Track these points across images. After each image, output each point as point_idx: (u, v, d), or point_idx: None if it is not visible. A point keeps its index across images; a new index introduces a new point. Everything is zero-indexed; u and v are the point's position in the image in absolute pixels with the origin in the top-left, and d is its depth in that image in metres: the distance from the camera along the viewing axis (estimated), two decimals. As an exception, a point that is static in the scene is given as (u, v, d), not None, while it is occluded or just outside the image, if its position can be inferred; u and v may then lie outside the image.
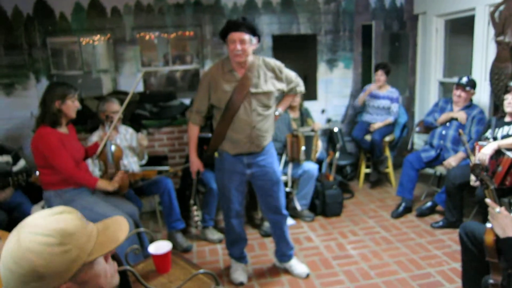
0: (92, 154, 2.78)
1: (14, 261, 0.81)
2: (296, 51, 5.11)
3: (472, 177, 2.84)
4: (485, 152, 2.79)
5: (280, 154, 3.56)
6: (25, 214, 2.81)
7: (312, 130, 3.84)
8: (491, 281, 1.77)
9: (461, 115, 3.55)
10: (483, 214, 2.82)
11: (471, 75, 3.88)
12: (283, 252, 2.79)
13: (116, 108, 3.10)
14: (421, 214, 3.64)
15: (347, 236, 3.34)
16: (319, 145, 3.85)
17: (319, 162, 3.98)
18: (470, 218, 3.44)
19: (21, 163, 3.29)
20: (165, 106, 4.19)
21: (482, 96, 3.85)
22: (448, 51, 4.60)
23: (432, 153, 3.66)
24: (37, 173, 2.66)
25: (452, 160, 3.44)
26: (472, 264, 2.05)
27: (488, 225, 1.80)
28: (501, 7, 3.41)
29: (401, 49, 5.07)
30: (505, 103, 3.00)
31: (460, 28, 4.48)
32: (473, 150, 2.94)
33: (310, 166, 3.61)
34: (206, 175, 3.34)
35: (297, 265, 2.78)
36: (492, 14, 3.49)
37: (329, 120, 4.85)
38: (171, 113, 4.16)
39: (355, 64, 4.86)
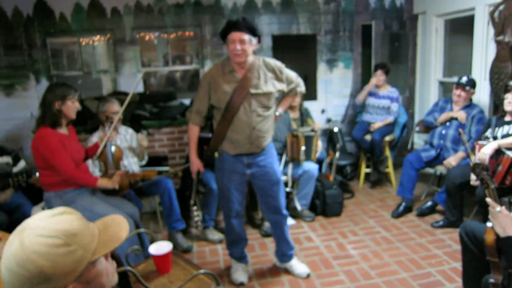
0: (92, 155, 2.78)
1: (19, 264, 0.81)
2: (296, 51, 5.11)
3: (473, 177, 2.84)
4: (485, 152, 2.79)
5: (280, 154, 3.56)
6: (26, 215, 2.81)
7: (312, 130, 3.84)
8: (491, 280, 1.77)
9: (461, 115, 3.55)
10: (483, 214, 2.82)
11: (471, 74, 3.88)
12: (284, 252, 2.79)
13: (116, 108, 3.10)
14: (422, 214, 3.64)
15: (347, 236, 3.34)
16: (319, 145, 3.85)
17: (319, 162, 3.98)
18: (471, 217, 3.44)
19: (21, 164, 3.29)
20: (165, 107, 4.19)
21: (482, 95, 3.85)
22: (448, 51, 4.60)
23: (432, 152, 3.66)
24: (37, 174, 2.66)
25: (452, 160, 3.44)
26: (472, 264, 2.05)
27: (489, 224, 1.80)
28: (501, 7, 3.42)
29: (401, 49, 5.07)
30: (505, 102, 3.00)
31: (460, 28, 4.49)
32: (473, 149, 2.94)
33: (310, 166, 3.61)
34: (206, 175, 3.34)
35: (298, 265, 2.78)
36: (491, 14, 3.49)
37: (329, 120, 4.85)
38: (171, 114, 4.16)
39: (355, 64, 4.87)
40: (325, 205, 3.70)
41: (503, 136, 2.95)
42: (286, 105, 2.72)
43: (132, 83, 4.07)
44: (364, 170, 4.51)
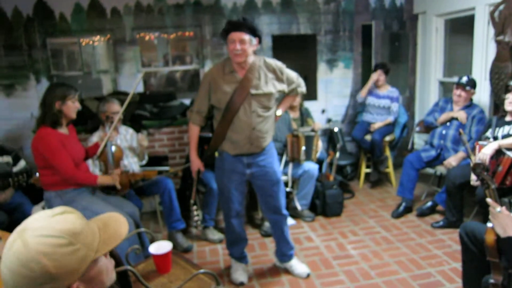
0: (92, 155, 2.78)
1: (23, 264, 0.81)
2: (296, 51, 5.11)
3: (473, 177, 2.84)
4: (485, 152, 2.78)
5: (280, 154, 3.56)
6: (26, 214, 2.81)
7: (312, 130, 3.84)
8: (491, 281, 1.77)
9: (461, 115, 3.55)
10: (484, 214, 2.82)
11: (471, 74, 3.88)
12: (284, 252, 2.79)
13: (116, 108, 3.10)
14: (422, 214, 3.64)
15: (347, 236, 3.34)
16: (319, 145, 3.85)
17: (320, 162, 3.98)
18: (471, 218, 3.44)
19: (22, 163, 3.29)
20: (165, 107, 4.19)
21: (482, 95, 3.85)
22: (448, 51, 4.60)
23: (433, 152, 3.66)
24: (37, 174, 2.66)
25: (453, 160, 3.44)
26: (472, 264, 2.05)
27: (489, 224, 1.80)
28: (501, 7, 3.41)
29: (401, 49, 5.07)
30: (506, 102, 2.99)
31: (460, 28, 4.49)
32: (473, 149, 2.94)
33: (311, 166, 3.61)
34: (206, 175, 3.34)
35: (298, 265, 2.78)
36: (492, 14, 3.49)
37: (329, 120, 4.85)
38: (171, 114, 4.16)
39: (355, 64, 4.87)
40: (325, 205, 3.70)
41: (504, 136, 2.95)
42: (286, 105, 2.72)
43: (132, 83, 4.07)
44: (364, 170, 4.51)
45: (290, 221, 3.53)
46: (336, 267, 2.86)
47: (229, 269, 2.83)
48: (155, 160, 3.95)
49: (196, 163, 2.60)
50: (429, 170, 4.04)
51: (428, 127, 3.90)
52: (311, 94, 4.73)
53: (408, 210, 3.70)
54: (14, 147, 3.66)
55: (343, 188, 4.09)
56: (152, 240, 1.87)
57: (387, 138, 4.33)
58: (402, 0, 4.79)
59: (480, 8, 3.74)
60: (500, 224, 1.69)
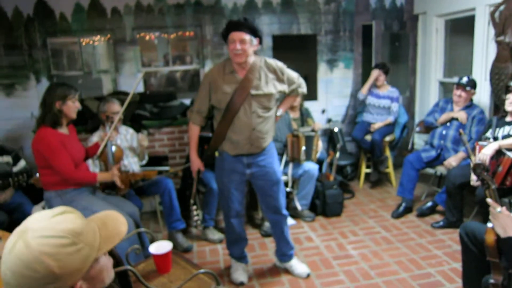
0: (92, 155, 2.78)
1: (27, 266, 0.82)
2: (296, 51, 5.11)
3: (473, 177, 2.84)
4: (485, 152, 2.79)
5: (280, 154, 3.56)
6: (26, 214, 2.81)
7: (313, 130, 3.84)
8: (491, 281, 1.77)
9: (462, 115, 3.55)
10: (484, 214, 2.82)
11: (471, 75, 3.88)
12: (284, 252, 2.79)
13: (116, 108, 3.10)
14: (422, 214, 3.64)
15: (347, 236, 3.34)
16: (320, 145, 3.85)
17: (320, 162, 3.99)
18: (471, 218, 3.44)
19: (22, 163, 3.29)
20: (165, 107, 4.19)
21: (483, 96, 3.85)
22: (448, 51, 4.61)
23: (433, 153, 3.66)
24: (37, 175, 2.66)
25: (453, 160, 3.44)
26: (472, 264, 2.05)
27: (489, 225, 1.80)
28: (501, 7, 3.41)
29: (401, 49, 5.07)
30: (507, 102, 2.99)
31: (460, 28, 4.49)
32: (473, 150, 2.94)
33: (311, 166, 3.62)
34: (206, 175, 3.34)
35: (298, 265, 2.78)
36: (492, 14, 3.49)
37: (329, 120, 4.85)
38: (172, 114, 4.16)
39: (355, 64, 4.87)
40: (325, 205, 3.70)
41: (504, 137, 2.95)
42: (287, 105, 2.71)
43: (132, 83, 4.07)
44: (364, 170, 4.52)
45: (290, 221, 3.53)
46: (336, 267, 2.86)
47: (229, 269, 2.83)
48: (155, 160, 3.95)
49: (196, 163, 2.60)
50: (429, 170, 4.04)
51: (428, 128, 3.90)
52: (311, 94, 4.73)
53: (408, 210, 3.70)
54: (14, 147, 3.66)
55: (343, 188, 4.09)
56: (152, 240, 1.87)
57: (387, 138, 4.33)
58: (403, 1, 4.79)
59: (481, 9, 3.74)
60: (500, 224, 1.69)
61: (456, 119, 3.59)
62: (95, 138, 3.15)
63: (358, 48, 4.83)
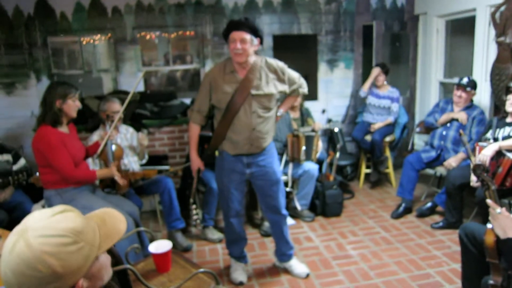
0: (92, 154, 2.79)
1: (29, 266, 0.81)
2: (297, 51, 5.11)
3: (473, 178, 2.84)
4: (486, 153, 2.78)
5: (280, 154, 3.57)
6: (26, 213, 2.79)
7: (313, 130, 3.84)
8: (491, 282, 1.77)
9: (462, 116, 3.55)
10: (483, 215, 2.82)
11: (472, 75, 3.88)
12: (283, 252, 2.79)
13: (117, 108, 3.10)
14: (421, 215, 3.64)
15: (347, 236, 3.34)
16: (320, 145, 3.85)
17: (320, 162, 3.98)
18: (470, 219, 3.44)
19: (21, 162, 3.29)
20: (165, 106, 4.19)
21: (483, 96, 3.85)
22: (448, 52, 4.60)
23: (433, 153, 3.66)
24: (37, 174, 2.66)
25: (453, 161, 3.44)
26: (471, 265, 2.05)
27: (489, 225, 1.80)
28: (502, 8, 3.41)
29: (402, 50, 5.07)
30: (508, 103, 2.99)
31: (461, 29, 4.49)
32: (473, 150, 2.94)
33: (311, 166, 3.62)
34: (206, 175, 3.34)
35: (297, 265, 2.78)
36: (493, 15, 3.49)
37: (329, 120, 4.85)
38: (172, 113, 4.16)
39: (355, 64, 4.87)
40: (325, 205, 3.70)
41: (504, 138, 2.95)
42: (287, 105, 2.71)
43: (133, 82, 4.07)
44: (364, 170, 4.52)
45: (290, 221, 3.53)
46: (335, 267, 2.86)
47: (228, 269, 2.83)
48: (155, 159, 3.96)
49: (196, 162, 2.60)
50: (429, 171, 4.04)
51: (428, 128, 3.90)
52: (311, 94, 4.73)
53: (407, 210, 3.70)
54: (14, 146, 3.66)
55: (343, 188, 4.10)
56: (152, 239, 1.87)
57: (387, 139, 4.33)
58: (403, 1, 4.79)
59: (481, 9, 3.74)
60: (500, 225, 1.69)
61: (456, 119, 3.59)
62: (95, 137, 3.15)
63: (358, 48, 4.83)
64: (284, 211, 2.69)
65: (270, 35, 4.56)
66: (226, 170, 2.52)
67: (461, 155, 3.45)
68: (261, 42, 2.37)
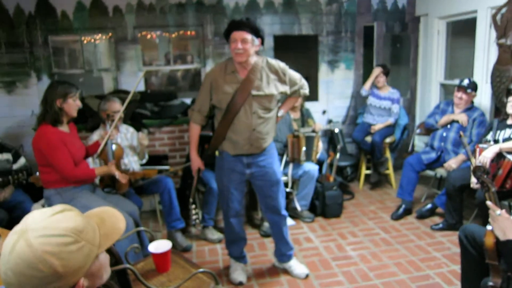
0: (93, 153, 2.79)
1: (30, 266, 0.81)
2: (298, 51, 5.11)
3: (473, 179, 2.84)
4: (486, 155, 2.78)
5: (280, 155, 3.56)
6: (26, 212, 2.78)
7: (313, 131, 3.84)
8: (490, 283, 1.77)
9: (462, 117, 3.55)
10: (483, 217, 2.82)
11: (473, 77, 3.88)
12: (283, 252, 2.79)
13: (117, 107, 3.10)
14: (421, 216, 3.64)
15: (346, 237, 3.34)
16: (320, 146, 3.85)
17: (320, 163, 3.98)
18: (470, 220, 3.44)
19: (21, 161, 3.29)
20: (166, 106, 4.19)
21: (483, 98, 3.85)
22: (449, 53, 4.60)
23: (433, 155, 3.66)
24: (37, 173, 2.66)
25: (453, 162, 3.44)
26: (471, 267, 2.05)
27: (488, 227, 1.80)
28: (503, 10, 3.41)
29: (403, 51, 5.07)
30: (508, 105, 2.99)
31: (462, 30, 4.49)
32: (473, 152, 2.94)
33: (311, 167, 3.62)
34: (206, 175, 3.34)
35: (297, 266, 2.78)
36: (494, 17, 3.49)
37: (330, 121, 4.85)
38: (172, 113, 4.16)
39: (356, 65, 4.87)
40: (324, 206, 3.70)
41: (505, 140, 2.95)
42: (289, 106, 2.71)
43: (133, 81, 4.07)
44: (364, 171, 4.51)
45: (290, 221, 3.53)
46: (335, 268, 2.86)
47: (228, 269, 2.83)
48: (155, 159, 3.96)
49: (196, 162, 2.60)
50: (429, 172, 4.04)
51: (428, 129, 3.90)
52: (312, 95, 4.70)
53: (407, 212, 3.70)
54: (14, 145, 3.66)
55: (343, 189, 4.09)
56: (152, 239, 1.87)
57: (388, 140, 4.33)
58: (404, 2, 4.79)
59: (482, 11, 3.74)
60: (500, 227, 1.69)
61: (457, 121, 3.59)
62: (95, 136, 3.15)
63: (359, 49, 4.82)
64: (284, 212, 2.69)
65: (271, 36, 4.55)
66: (226, 170, 2.52)
67: (461, 156, 3.44)
68: (262, 43, 2.37)
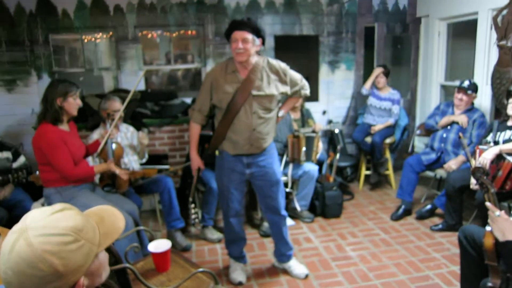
0: (93, 152, 2.79)
1: (30, 265, 0.81)
2: (298, 52, 5.11)
3: (473, 181, 2.84)
4: (486, 157, 2.78)
5: (281, 155, 3.56)
6: (26, 211, 2.77)
7: (313, 131, 3.84)
8: (489, 284, 1.77)
9: (462, 119, 3.55)
10: (483, 218, 2.82)
11: (473, 78, 3.88)
12: (282, 252, 2.79)
13: (118, 106, 3.09)
14: (421, 217, 3.64)
15: (346, 237, 3.34)
16: (320, 146, 3.85)
17: (320, 163, 3.98)
18: (470, 221, 3.44)
19: (21, 159, 3.29)
20: (166, 105, 4.19)
21: (484, 100, 3.85)
22: (450, 55, 4.60)
23: (433, 156, 3.66)
24: (37, 172, 2.66)
25: (453, 163, 3.44)
26: (471, 267, 2.05)
27: (488, 228, 1.80)
28: (504, 12, 3.41)
29: (403, 52, 5.07)
30: (509, 107, 2.99)
31: (463, 32, 4.49)
32: (473, 153, 2.94)
33: (311, 167, 3.62)
34: (206, 174, 3.34)
35: (296, 266, 2.78)
36: (494, 19, 3.49)
37: (330, 122, 4.85)
38: (172, 112, 4.16)
39: (357, 66, 4.87)
40: (324, 206, 3.70)
41: (505, 141, 2.95)
42: (289, 106, 2.71)
43: (134, 81, 4.07)
44: (364, 172, 4.51)
45: (289, 221, 3.53)
46: (334, 268, 2.86)
47: (227, 269, 2.83)
48: (155, 158, 3.96)
49: (196, 161, 2.60)
50: (429, 173, 4.04)
51: (429, 130, 3.90)
52: (312, 95, 4.70)
53: (407, 212, 3.70)
54: (14, 143, 3.66)
55: (343, 189, 4.10)
56: (151, 239, 1.87)
57: (388, 141, 4.33)
58: (405, 3, 4.79)
59: (483, 13, 3.74)
60: (499, 228, 1.69)
61: (457, 122, 3.59)
62: (95, 135, 3.15)
63: (360, 50, 4.82)
64: (284, 212, 2.69)
65: (272, 36, 4.56)
66: (226, 170, 2.52)
67: (461, 157, 3.45)
68: (263, 43, 2.37)
